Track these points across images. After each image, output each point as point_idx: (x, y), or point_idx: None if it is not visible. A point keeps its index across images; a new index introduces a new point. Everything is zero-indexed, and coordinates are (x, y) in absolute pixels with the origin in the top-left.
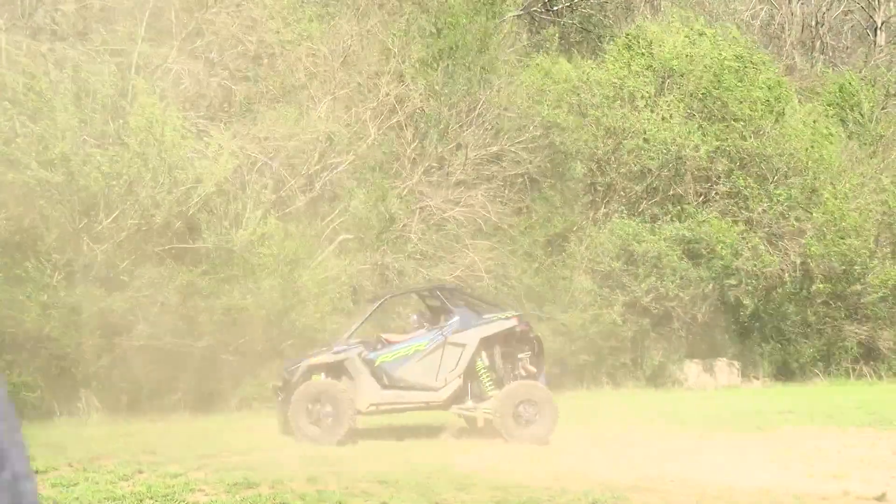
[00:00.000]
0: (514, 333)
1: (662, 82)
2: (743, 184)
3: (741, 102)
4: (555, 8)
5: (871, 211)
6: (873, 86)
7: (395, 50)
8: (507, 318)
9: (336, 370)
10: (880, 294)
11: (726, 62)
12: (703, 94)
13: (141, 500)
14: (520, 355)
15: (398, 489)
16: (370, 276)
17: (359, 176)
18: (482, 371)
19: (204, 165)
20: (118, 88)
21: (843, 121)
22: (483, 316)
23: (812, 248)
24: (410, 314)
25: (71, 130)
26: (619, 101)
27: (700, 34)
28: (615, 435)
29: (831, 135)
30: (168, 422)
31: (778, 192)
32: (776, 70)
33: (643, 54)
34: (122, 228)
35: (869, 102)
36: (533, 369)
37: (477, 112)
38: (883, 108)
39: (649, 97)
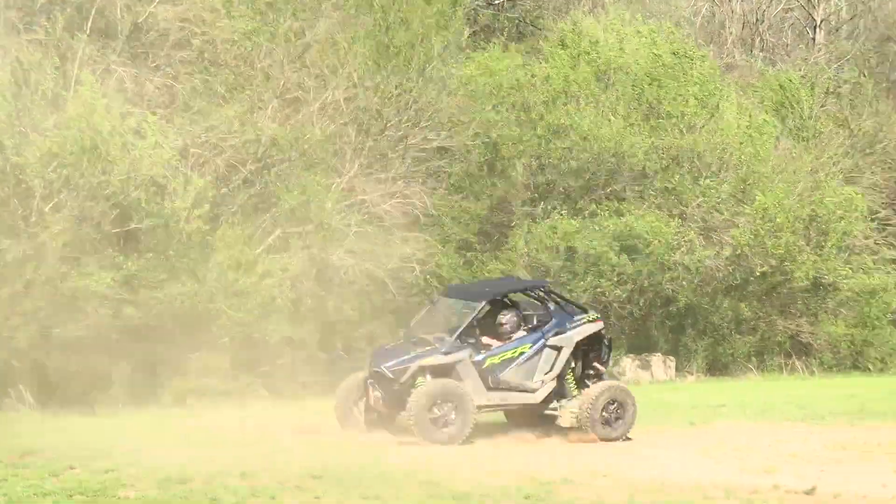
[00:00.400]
0: (598, 335)
1: (605, 81)
2: (677, 180)
3: (675, 99)
4: (495, 2)
5: (803, 207)
6: (813, 84)
7: (345, 48)
8: (593, 321)
9: (444, 371)
10: (803, 284)
11: (662, 58)
12: (639, 91)
13: (71, 496)
14: (591, 354)
15: (331, 484)
16: (309, 271)
17: (300, 173)
18: (568, 371)
19: (144, 156)
20: (58, 82)
21: (783, 118)
22: (574, 318)
23: (742, 238)
24: (504, 313)
25: (6, 116)
26: (561, 99)
27: (637, 31)
28: (548, 429)
29: (766, 122)
30: (102, 416)
31: (707, 182)
32: (711, 64)
33: (588, 52)
34: (62, 218)
35: (808, 100)
36: (602, 368)
37: (418, 107)
38: (822, 106)
39: (590, 95)
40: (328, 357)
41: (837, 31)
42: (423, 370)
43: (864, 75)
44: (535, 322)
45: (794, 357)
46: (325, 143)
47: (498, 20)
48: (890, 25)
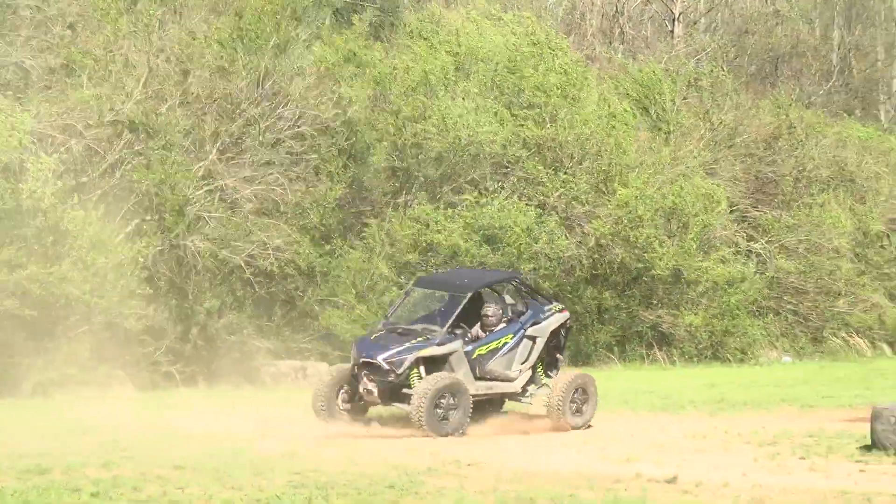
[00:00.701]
0: (562, 325)
1: (464, 69)
2: (536, 171)
3: (537, 88)
4: None
5: (664, 199)
6: (675, 77)
7: (204, 36)
8: (561, 311)
9: (438, 362)
10: (665, 274)
11: (523, 48)
12: (499, 80)
13: None
14: (551, 343)
15: (195, 474)
16: (167, 260)
17: (158, 158)
18: (538, 361)
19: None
20: None
21: (645, 110)
22: (545, 308)
23: (604, 229)
24: (489, 305)
25: None
26: (421, 88)
27: (499, 20)
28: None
29: (626, 111)
30: None
31: (566, 176)
32: (574, 57)
33: (448, 42)
34: None
35: (670, 93)
36: (561, 357)
37: (272, 90)
38: (684, 99)
39: (448, 84)
40: (190, 346)
41: (695, 24)
42: (418, 362)
43: (723, 69)
44: (510, 314)
45: (655, 347)
46: (186, 131)
47: (357, 7)
48: (747, 19)
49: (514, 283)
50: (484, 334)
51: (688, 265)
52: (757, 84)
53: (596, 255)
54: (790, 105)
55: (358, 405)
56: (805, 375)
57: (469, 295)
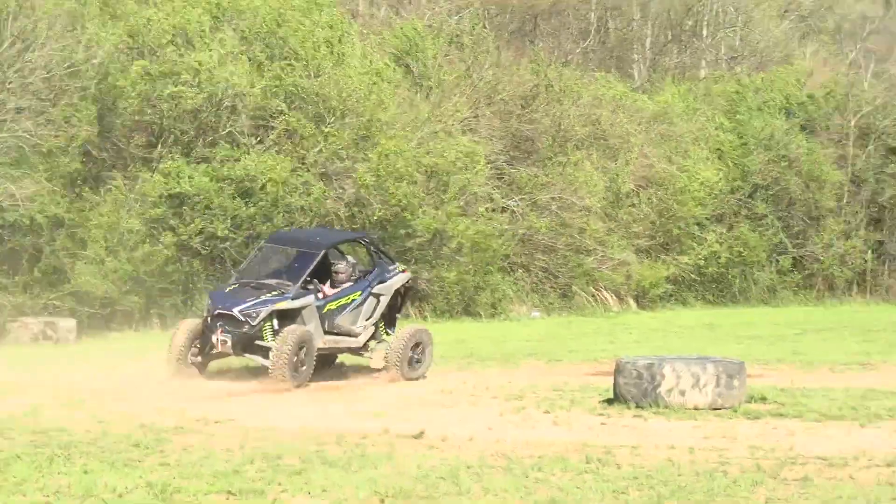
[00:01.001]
0: (406, 285)
1: (224, 21)
2: (297, 124)
3: (303, 42)
4: None
5: (424, 157)
6: (438, 34)
7: None
8: (404, 272)
9: (291, 316)
10: (424, 238)
11: (288, 1)
12: (265, 32)
13: None
14: (389, 301)
15: None
16: None
17: None
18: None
19: None
20: None
21: (408, 66)
22: (389, 268)
23: (365, 179)
24: (339, 262)
25: None
26: (175, 41)
27: None
28: (159, 378)
29: (386, 66)
30: None
31: (328, 130)
32: (339, 12)
33: None
34: None
35: (432, 49)
36: (398, 315)
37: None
38: (446, 55)
39: (205, 35)
40: None
41: None
42: (273, 314)
43: (485, 26)
44: (357, 272)
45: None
46: None
47: None
48: None
49: (362, 242)
50: (332, 290)
51: (446, 227)
52: (517, 41)
53: (355, 209)
54: (549, 64)
55: (208, 357)
56: (553, 330)
57: (323, 252)
